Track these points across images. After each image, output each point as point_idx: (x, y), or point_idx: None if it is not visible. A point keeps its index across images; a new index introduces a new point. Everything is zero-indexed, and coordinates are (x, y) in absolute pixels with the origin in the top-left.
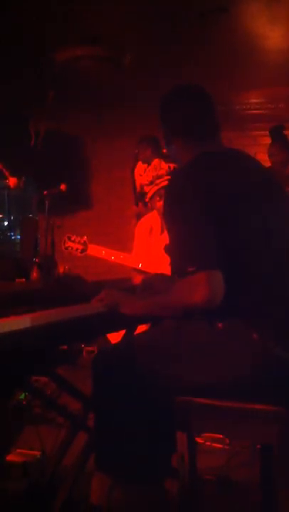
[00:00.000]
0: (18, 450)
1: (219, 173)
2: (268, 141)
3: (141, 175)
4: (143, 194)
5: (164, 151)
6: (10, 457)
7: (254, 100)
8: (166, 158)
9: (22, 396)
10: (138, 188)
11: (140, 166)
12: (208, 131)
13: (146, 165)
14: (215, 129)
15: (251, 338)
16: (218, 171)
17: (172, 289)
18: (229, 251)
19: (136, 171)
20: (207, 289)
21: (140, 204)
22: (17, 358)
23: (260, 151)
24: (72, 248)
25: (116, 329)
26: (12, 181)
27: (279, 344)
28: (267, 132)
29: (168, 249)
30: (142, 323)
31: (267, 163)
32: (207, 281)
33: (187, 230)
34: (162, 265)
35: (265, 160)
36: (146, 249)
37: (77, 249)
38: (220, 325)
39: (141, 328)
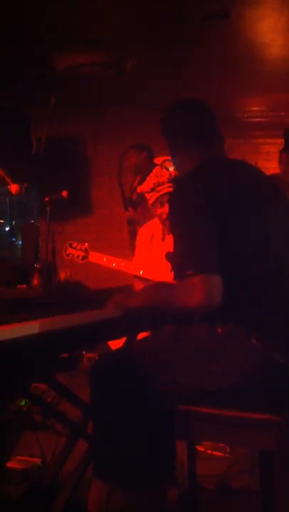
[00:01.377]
0: (19, 457)
1: (220, 178)
2: (269, 148)
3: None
4: (132, 201)
5: (156, 160)
6: (10, 464)
7: (255, 108)
8: (155, 165)
9: (22, 403)
10: (127, 193)
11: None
12: (209, 141)
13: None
14: (217, 139)
15: (250, 344)
16: (218, 176)
17: (173, 289)
18: (229, 256)
19: (123, 176)
20: (203, 293)
21: (130, 209)
22: (21, 364)
23: (261, 158)
24: (73, 255)
25: (118, 336)
26: (14, 187)
27: (278, 350)
28: (268, 140)
29: (169, 256)
30: (143, 330)
31: (268, 171)
32: (203, 286)
33: (188, 234)
34: (163, 272)
35: (266, 167)
36: (148, 256)
37: (78, 256)
38: (219, 330)
39: (142, 336)
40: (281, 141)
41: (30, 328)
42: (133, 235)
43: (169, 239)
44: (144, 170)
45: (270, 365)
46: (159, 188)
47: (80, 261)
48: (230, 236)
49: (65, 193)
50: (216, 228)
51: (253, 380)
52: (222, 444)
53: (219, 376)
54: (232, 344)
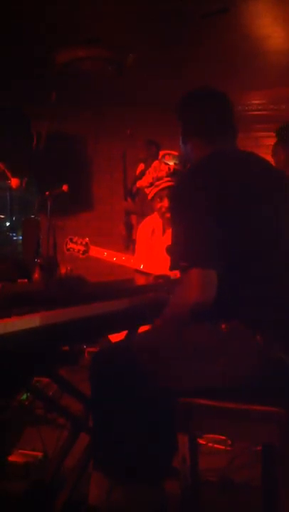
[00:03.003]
0: (20, 451)
1: (228, 173)
2: (270, 142)
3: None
4: (132, 193)
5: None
6: (12, 458)
7: (256, 101)
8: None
9: (24, 397)
10: (129, 185)
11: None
12: (223, 132)
13: (143, 164)
14: (231, 130)
15: (255, 341)
16: (227, 171)
17: (174, 289)
18: (236, 252)
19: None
20: (197, 288)
21: (129, 199)
22: (21, 358)
23: (262, 152)
24: (74, 250)
25: (119, 330)
26: (14, 182)
27: (282, 347)
28: (269, 133)
29: (169, 250)
30: (144, 324)
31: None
32: (198, 280)
33: (186, 228)
34: (164, 266)
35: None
36: (148, 250)
37: (79, 250)
38: (224, 326)
39: (144, 329)
40: None
41: (30, 321)
42: (128, 227)
43: (170, 233)
44: (148, 164)
45: (274, 363)
46: (157, 183)
47: (81, 255)
48: (239, 234)
49: (65, 187)
50: (221, 227)
51: (253, 379)
52: (224, 438)
53: (219, 375)
54: (232, 343)
